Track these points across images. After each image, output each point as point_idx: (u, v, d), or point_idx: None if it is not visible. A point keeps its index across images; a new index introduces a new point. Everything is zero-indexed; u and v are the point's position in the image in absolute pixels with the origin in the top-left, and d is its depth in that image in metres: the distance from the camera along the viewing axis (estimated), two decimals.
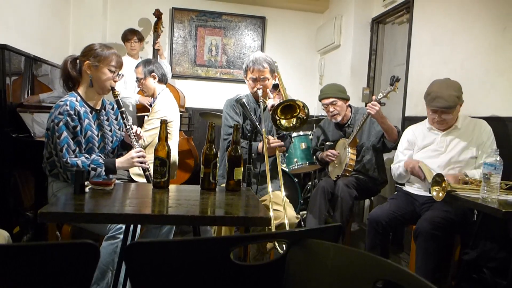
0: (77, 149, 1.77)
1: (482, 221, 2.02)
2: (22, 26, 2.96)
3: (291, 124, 2.05)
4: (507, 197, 1.69)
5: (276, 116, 2.02)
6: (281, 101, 2.04)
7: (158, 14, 3.89)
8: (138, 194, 1.49)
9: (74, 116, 1.74)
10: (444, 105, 2.01)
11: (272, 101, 2.24)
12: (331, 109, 2.71)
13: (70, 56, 1.89)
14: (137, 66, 2.75)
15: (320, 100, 2.80)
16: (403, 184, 2.37)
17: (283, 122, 2.04)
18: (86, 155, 1.80)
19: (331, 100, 2.70)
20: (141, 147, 1.94)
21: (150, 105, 2.78)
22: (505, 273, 1.85)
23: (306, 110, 2.00)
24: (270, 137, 2.13)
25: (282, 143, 2.11)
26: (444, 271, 2.25)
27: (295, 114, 2.05)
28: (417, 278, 0.61)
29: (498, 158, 1.64)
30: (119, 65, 1.89)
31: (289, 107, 2.04)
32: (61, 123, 1.71)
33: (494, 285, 1.98)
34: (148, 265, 0.76)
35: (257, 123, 1.98)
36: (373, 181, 2.71)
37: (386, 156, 2.87)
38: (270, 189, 1.95)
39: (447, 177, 1.92)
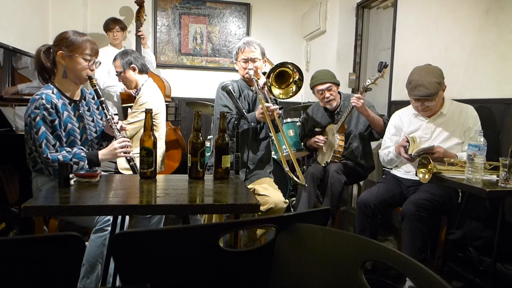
0: (58, 143, 1.70)
1: (467, 201, 2.06)
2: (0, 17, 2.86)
3: (290, 93, 2.07)
4: (491, 177, 1.73)
5: (272, 88, 2.04)
6: (271, 69, 2.05)
7: (140, 2, 3.80)
8: (125, 185, 1.47)
9: (51, 109, 1.66)
10: (426, 94, 2.01)
11: (264, 79, 2.23)
12: (327, 94, 2.68)
13: (43, 45, 1.79)
14: (114, 59, 2.61)
15: (314, 86, 2.74)
16: (391, 168, 2.40)
17: (281, 91, 2.07)
18: (68, 149, 1.74)
19: (327, 85, 2.67)
20: (124, 137, 1.89)
21: (135, 97, 2.69)
22: (489, 251, 1.89)
23: (297, 71, 2.04)
24: (266, 103, 2.12)
25: (277, 106, 2.09)
26: (431, 251, 2.30)
27: (290, 80, 2.07)
28: (404, 257, 0.62)
29: (482, 139, 1.66)
30: (94, 53, 1.80)
31: (281, 75, 2.05)
32: (38, 118, 1.64)
33: (479, 263, 2.04)
34: (135, 255, 0.75)
35: (243, 111, 1.96)
36: (361, 167, 2.73)
37: (373, 142, 2.89)
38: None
39: (439, 149, 1.95)
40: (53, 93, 1.72)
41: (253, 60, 2.24)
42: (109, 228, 1.64)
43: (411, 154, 2.00)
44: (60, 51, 1.73)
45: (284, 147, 2.94)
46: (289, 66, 2.05)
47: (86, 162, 1.74)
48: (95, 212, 1.31)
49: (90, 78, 1.82)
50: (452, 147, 2.08)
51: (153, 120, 2.48)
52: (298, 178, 1.95)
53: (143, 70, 2.64)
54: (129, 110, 2.67)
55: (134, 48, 3.74)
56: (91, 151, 1.82)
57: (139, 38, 3.76)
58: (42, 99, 1.65)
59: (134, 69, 2.59)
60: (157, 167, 1.60)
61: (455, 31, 2.43)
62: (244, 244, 2.33)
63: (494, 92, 2.16)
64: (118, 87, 3.50)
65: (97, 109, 1.99)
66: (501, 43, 2.11)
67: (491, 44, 2.16)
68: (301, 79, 2.07)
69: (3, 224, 2.43)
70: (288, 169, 1.89)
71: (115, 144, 1.81)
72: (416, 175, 1.86)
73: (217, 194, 1.36)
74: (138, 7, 3.80)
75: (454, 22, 2.44)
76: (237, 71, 2.37)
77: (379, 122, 2.53)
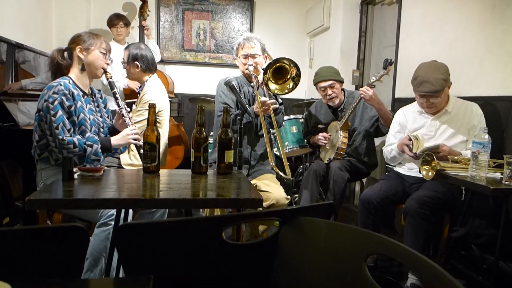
0: (72, 129, 1.77)
1: (471, 198, 2.05)
2: (3, 12, 2.86)
3: (286, 89, 2.08)
4: (495, 175, 1.72)
5: (269, 83, 2.04)
6: (268, 64, 2.06)
7: None
8: (128, 179, 1.48)
9: (68, 95, 1.74)
10: (431, 90, 1.99)
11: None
12: (330, 92, 2.67)
13: (56, 49, 1.89)
14: (126, 48, 2.60)
15: (317, 83, 2.73)
16: (394, 165, 2.39)
17: (277, 87, 2.07)
18: (81, 135, 1.81)
19: (329, 82, 2.65)
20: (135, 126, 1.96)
21: (138, 93, 2.68)
22: (492, 249, 1.89)
23: (294, 66, 2.04)
24: (262, 97, 2.12)
25: (274, 100, 2.10)
26: (433, 248, 2.30)
27: (288, 76, 2.07)
28: (408, 250, 0.62)
29: (486, 137, 1.65)
30: (109, 49, 1.94)
31: (279, 71, 2.06)
32: (56, 102, 1.70)
33: (482, 261, 2.03)
34: (139, 246, 0.75)
35: (247, 106, 1.96)
36: (364, 164, 2.72)
37: (377, 140, 2.88)
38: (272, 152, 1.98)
39: (444, 148, 1.94)
40: (69, 82, 1.80)
41: (253, 56, 2.25)
42: (113, 223, 1.65)
43: (415, 153, 1.99)
44: (79, 46, 1.85)
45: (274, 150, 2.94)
46: (285, 61, 2.05)
47: (100, 145, 1.79)
48: (99, 206, 1.31)
49: (105, 71, 1.94)
50: (457, 145, 2.07)
51: (157, 117, 2.47)
52: (285, 173, 1.90)
53: (147, 69, 2.60)
54: (134, 106, 2.66)
55: None
56: (104, 137, 1.90)
57: (142, 31, 3.76)
58: (61, 85, 1.72)
59: (137, 67, 2.57)
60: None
61: (460, 27, 2.41)
62: (246, 240, 2.33)
63: (499, 89, 2.14)
64: (121, 83, 3.50)
65: (104, 107, 2.06)
66: (507, 39, 2.09)
67: (497, 40, 2.15)
68: (298, 75, 2.06)
69: (7, 218, 2.45)
70: (274, 163, 1.88)
71: (127, 130, 1.91)
72: (420, 172, 1.85)
73: (220, 189, 1.36)
74: (141, 2, 3.81)
75: (459, 18, 2.42)
76: None
77: (389, 117, 2.52)
